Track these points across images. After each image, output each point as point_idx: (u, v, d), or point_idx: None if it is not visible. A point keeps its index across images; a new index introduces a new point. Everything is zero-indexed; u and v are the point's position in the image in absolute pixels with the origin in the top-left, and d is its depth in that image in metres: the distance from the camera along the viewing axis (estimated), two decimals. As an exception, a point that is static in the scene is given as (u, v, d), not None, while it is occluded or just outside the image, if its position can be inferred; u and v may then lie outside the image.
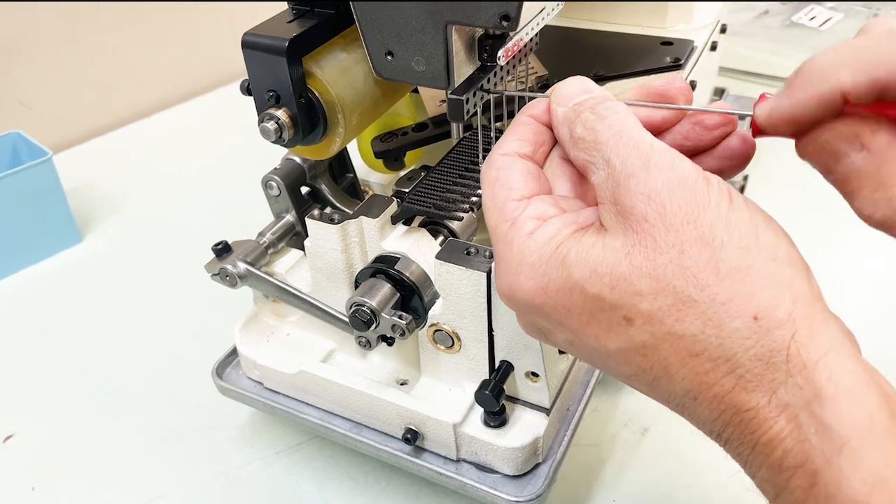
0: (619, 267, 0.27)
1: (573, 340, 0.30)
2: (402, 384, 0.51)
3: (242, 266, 0.51)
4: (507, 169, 0.32)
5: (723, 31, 0.76)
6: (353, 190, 0.58)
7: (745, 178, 0.83)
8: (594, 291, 0.27)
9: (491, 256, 0.43)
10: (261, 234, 0.53)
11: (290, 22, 0.44)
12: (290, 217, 0.54)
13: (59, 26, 1.00)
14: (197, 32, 1.16)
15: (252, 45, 0.42)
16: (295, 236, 0.54)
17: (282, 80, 0.42)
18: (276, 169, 0.53)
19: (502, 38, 0.41)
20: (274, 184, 0.52)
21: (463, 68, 0.41)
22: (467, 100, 0.40)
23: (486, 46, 0.42)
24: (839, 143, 0.29)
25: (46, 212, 0.79)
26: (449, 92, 0.40)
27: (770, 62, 1.09)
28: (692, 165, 0.28)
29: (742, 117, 0.33)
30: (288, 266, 0.54)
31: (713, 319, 0.25)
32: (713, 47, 0.72)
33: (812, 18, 1.22)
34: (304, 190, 0.54)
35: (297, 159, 0.53)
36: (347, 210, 0.53)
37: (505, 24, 0.38)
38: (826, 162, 0.29)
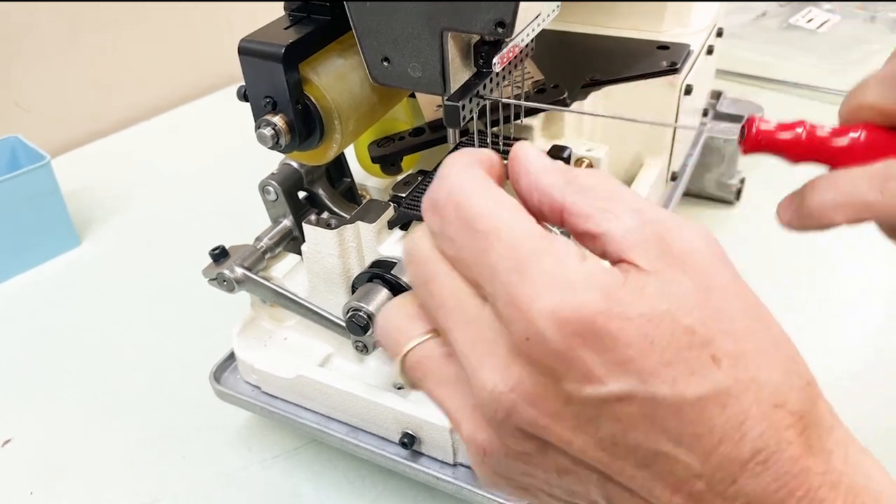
0: (706, 302, 0.24)
1: (632, 392, 0.24)
2: (399, 388, 0.52)
3: (240, 271, 0.52)
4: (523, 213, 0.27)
5: (719, 34, 0.76)
6: (350, 194, 0.58)
7: (742, 180, 0.83)
8: (687, 322, 0.24)
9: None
10: (258, 239, 0.53)
11: (286, 28, 0.44)
12: (287, 222, 0.54)
13: (57, 27, 1.00)
14: (194, 34, 1.17)
15: (249, 52, 0.43)
16: (292, 241, 0.55)
17: (278, 86, 0.42)
18: (273, 174, 0.53)
19: (498, 45, 0.41)
20: (271, 189, 0.52)
21: (459, 74, 0.41)
22: (463, 106, 0.40)
23: (482, 52, 0.42)
24: None
25: (44, 215, 0.79)
26: (445, 98, 0.41)
27: (768, 64, 1.10)
28: None
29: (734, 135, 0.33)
30: (285, 271, 0.54)
31: (792, 370, 0.24)
32: (710, 51, 0.72)
33: (810, 21, 1.22)
34: (302, 195, 0.55)
35: (295, 164, 0.53)
36: (344, 215, 0.53)
37: (500, 30, 0.38)
38: None
